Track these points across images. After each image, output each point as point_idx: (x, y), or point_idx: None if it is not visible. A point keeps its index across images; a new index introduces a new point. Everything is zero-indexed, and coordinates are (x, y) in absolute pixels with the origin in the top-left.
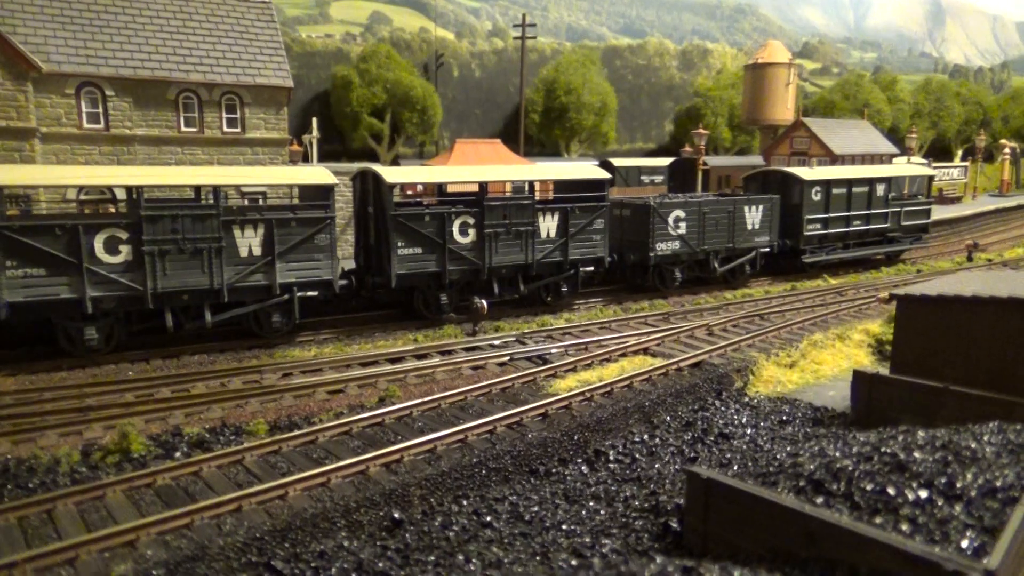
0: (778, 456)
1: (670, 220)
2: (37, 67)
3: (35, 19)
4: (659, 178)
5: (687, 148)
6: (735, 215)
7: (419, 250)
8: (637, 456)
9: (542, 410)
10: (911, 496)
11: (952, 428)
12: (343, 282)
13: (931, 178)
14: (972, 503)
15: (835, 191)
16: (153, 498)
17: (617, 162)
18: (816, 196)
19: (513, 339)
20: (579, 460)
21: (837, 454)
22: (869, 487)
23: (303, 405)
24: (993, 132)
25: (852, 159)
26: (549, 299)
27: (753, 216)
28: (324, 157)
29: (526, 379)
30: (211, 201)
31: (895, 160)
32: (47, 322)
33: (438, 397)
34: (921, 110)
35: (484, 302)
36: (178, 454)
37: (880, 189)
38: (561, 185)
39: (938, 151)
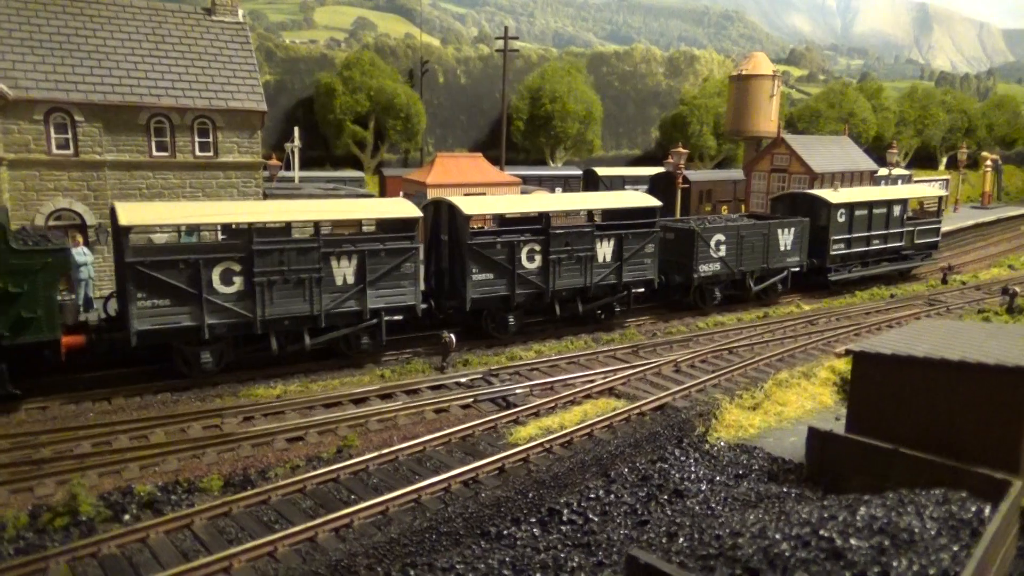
0: (720, 534)
1: (712, 243)
2: (5, 95)
3: (2, 44)
4: (643, 187)
5: (669, 160)
6: (770, 237)
7: (491, 275)
8: (590, 516)
9: (499, 464)
10: None
11: (897, 499)
12: (423, 306)
13: (943, 198)
14: None
15: (858, 212)
16: (96, 571)
17: (601, 171)
18: (841, 218)
19: (480, 376)
20: (532, 520)
21: (777, 536)
22: None
23: (260, 456)
24: (978, 139)
25: (832, 176)
26: (603, 317)
27: (785, 238)
28: (307, 164)
29: (487, 426)
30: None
31: (880, 171)
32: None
33: (396, 449)
34: (906, 118)
35: (452, 336)
36: (127, 516)
37: (897, 210)
38: (614, 213)
39: (923, 159)
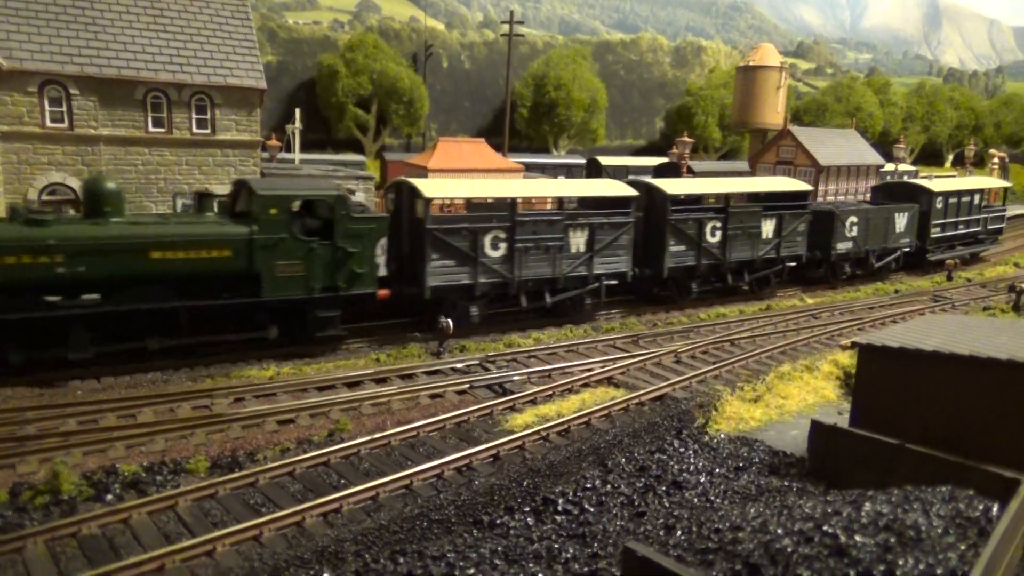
0: (720, 527)
1: (847, 224)
2: None
3: None
4: (646, 177)
5: (674, 149)
6: (890, 220)
7: (683, 247)
8: (586, 506)
9: (494, 451)
10: None
11: (902, 495)
12: (632, 272)
13: (1007, 188)
14: None
15: (951, 200)
16: (75, 552)
17: (604, 160)
18: (939, 204)
19: (477, 362)
20: (527, 509)
21: (779, 531)
22: (806, 575)
23: (250, 437)
24: (984, 137)
25: (838, 170)
26: (751, 288)
27: (901, 221)
28: (308, 146)
29: (483, 413)
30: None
31: (886, 166)
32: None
33: (389, 433)
34: (913, 114)
35: (449, 321)
36: (110, 496)
37: (977, 198)
38: (775, 195)
39: (929, 155)
